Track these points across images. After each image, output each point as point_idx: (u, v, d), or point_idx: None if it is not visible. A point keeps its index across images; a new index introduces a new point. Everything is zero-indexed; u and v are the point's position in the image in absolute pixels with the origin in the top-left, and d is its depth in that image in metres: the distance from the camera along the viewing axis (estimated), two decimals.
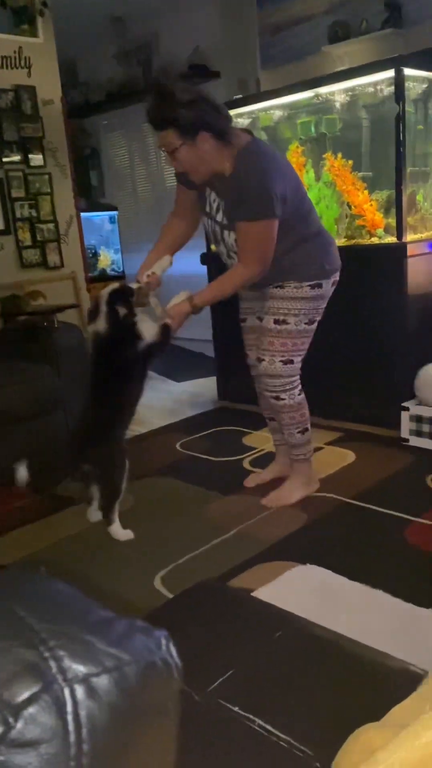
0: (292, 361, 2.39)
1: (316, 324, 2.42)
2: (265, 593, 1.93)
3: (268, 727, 1.32)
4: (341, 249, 3.20)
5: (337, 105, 3.37)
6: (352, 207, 3.22)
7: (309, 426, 2.52)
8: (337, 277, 2.42)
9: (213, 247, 2.52)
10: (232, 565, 2.11)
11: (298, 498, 2.55)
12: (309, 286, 2.33)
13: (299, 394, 2.45)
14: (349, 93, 3.29)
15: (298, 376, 2.44)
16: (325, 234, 2.41)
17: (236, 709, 1.38)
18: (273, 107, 3.60)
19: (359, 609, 1.83)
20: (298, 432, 2.49)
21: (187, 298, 2.27)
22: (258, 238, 2.18)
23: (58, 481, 2.45)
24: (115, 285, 2.25)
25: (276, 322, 2.35)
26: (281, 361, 2.37)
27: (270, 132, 3.73)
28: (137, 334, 2.21)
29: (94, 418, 2.29)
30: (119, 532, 2.34)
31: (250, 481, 2.75)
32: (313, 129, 3.45)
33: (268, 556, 2.15)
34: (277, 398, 2.42)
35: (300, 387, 2.45)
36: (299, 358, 2.41)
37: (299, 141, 3.44)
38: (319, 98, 3.39)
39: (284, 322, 2.35)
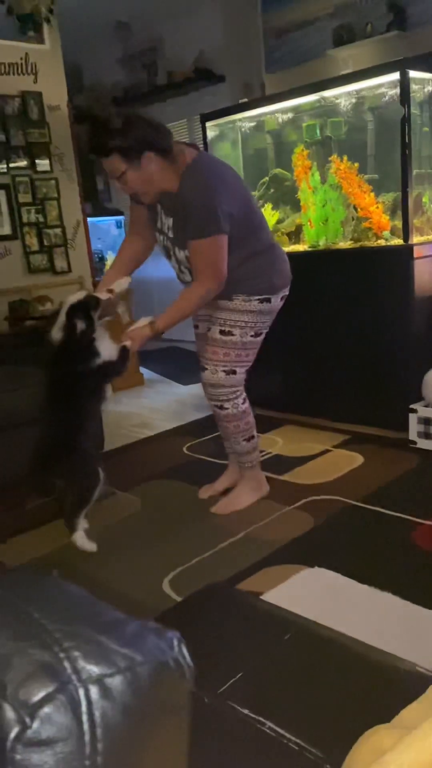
0: (234, 372, 2.39)
1: (262, 337, 2.43)
2: (273, 596, 1.93)
3: (278, 729, 1.32)
4: (347, 251, 3.24)
5: (343, 108, 3.38)
6: (359, 209, 3.22)
7: (255, 433, 2.53)
8: (286, 292, 2.43)
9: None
10: (240, 568, 2.11)
11: (248, 503, 2.57)
12: (257, 300, 2.35)
13: (243, 403, 2.45)
14: (355, 96, 3.30)
15: (242, 387, 2.44)
16: (276, 249, 2.42)
17: (246, 711, 1.38)
18: (278, 111, 3.61)
19: (368, 611, 1.83)
20: (244, 440, 2.50)
21: (149, 323, 2.25)
22: (208, 254, 2.19)
23: (27, 495, 2.44)
24: (80, 294, 2.18)
25: (222, 332, 2.37)
26: (223, 371, 2.38)
27: (275, 135, 3.75)
28: (93, 350, 2.15)
29: (49, 431, 2.23)
30: (84, 542, 2.29)
31: (204, 493, 2.73)
32: (318, 132, 3.46)
33: (276, 559, 2.15)
34: (221, 407, 2.43)
35: (244, 396, 2.46)
36: (243, 369, 2.42)
37: (304, 144, 3.45)
38: (325, 101, 3.39)
39: (230, 333, 2.36)
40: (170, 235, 2.30)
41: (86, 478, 2.24)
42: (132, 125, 2.09)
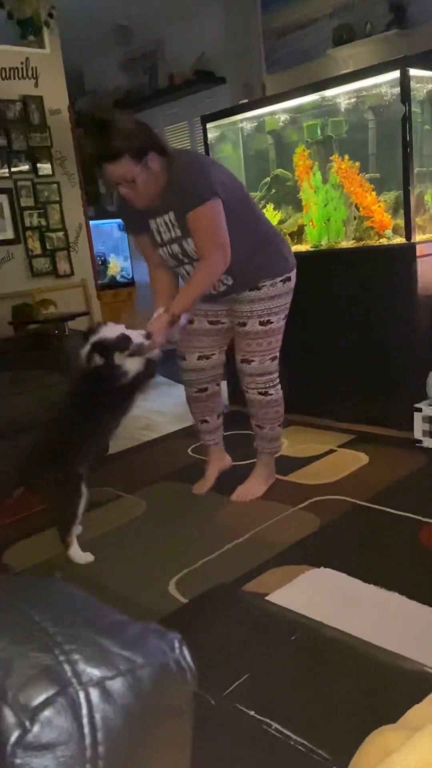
0: (276, 357, 2.51)
1: (287, 318, 2.52)
2: (279, 597, 1.92)
3: (285, 731, 1.32)
4: (350, 251, 3.24)
5: (343, 107, 3.37)
6: (360, 209, 3.22)
7: (284, 419, 2.64)
8: (295, 269, 2.51)
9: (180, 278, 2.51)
10: (246, 570, 2.11)
11: (263, 491, 2.66)
12: (281, 281, 2.42)
13: (281, 389, 2.56)
14: (355, 95, 3.29)
15: (278, 371, 2.54)
16: (278, 233, 2.54)
17: (252, 713, 1.38)
18: (279, 111, 3.61)
19: (374, 612, 1.82)
20: (278, 425, 2.62)
21: (164, 311, 2.28)
22: (208, 222, 2.19)
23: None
24: (115, 331, 2.14)
25: (261, 323, 2.44)
26: (270, 358, 2.49)
27: (276, 136, 3.74)
28: (118, 374, 2.15)
29: (44, 443, 2.22)
30: (78, 556, 2.26)
31: (199, 488, 2.77)
32: (319, 132, 3.46)
33: (281, 560, 2.15)
34: (266, 393, 2.51)
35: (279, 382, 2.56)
36: (278, 353, 2.52)
37: (306, 144, 3.45)
38: (325, 101, 3.39)
39: (269, 322, 2.44)
40: (174, 235, 2.29)
41: (66, 497, 2.20)
42: (138, 126, 2.14)
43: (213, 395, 2.69)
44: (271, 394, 2.51)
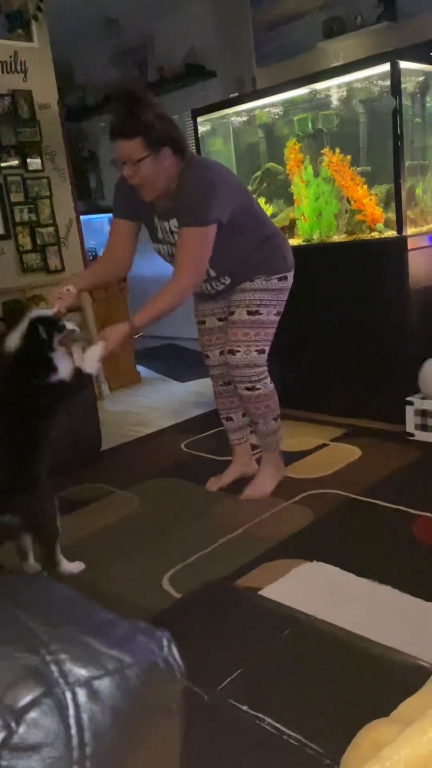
0: (264, 351, 2.47)
1: (280, 316, 2.49)
2: (272, 592, 1.93)
3: (278, 726, 1.32)
4: (342, 244, 3.23)
5: (334, 100, 3.36)
6: (352, 202, 3.21)
7: (279, 413, 2.59)
8: (293, 270, 2.50)
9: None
10: (239, 564, 2.11)
11: (272, 487, 2.63)
12: (277, 278, 2.42)
13: (270, 383, 2.52)
14: (346, 88, 3.28)
15: (266, 366, 2.50)
16: (279, 232, 2.52)
17: (245, 708, 1.38)
18: (269, 105, 3.59)
19: (367, 605, 1.83)
20: (272, 419, 2.57)
21: (71, 288, 2.20)
22: (195, 244, 2.19)
23: None
24: (47, 313, 2.02)
25: (249, 313, 2.42)
26: (256, 350, 2.44)
27: (267, 129, 3.73)
28: (51, 365, 1.96)
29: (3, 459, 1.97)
30: (70, 567, 2.12)
31: (212, 485, 2.75)
32: (310, 125, 3.44)
33: (275, 554, 2.15)
34: (253, 388, 2.47)
35: (268, 376, 2.52)
36: (268, 348, 2.48)
37: (296, 137, 3.43)
38: (316, 94, 3.38)
39: (257, 312, 2.42)
40: (175, 239, 2.29)
41: (43, 516, 2.03)
42: (165, 118, 2.12)
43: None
44: (258, 389, 2.46)
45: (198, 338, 2.69)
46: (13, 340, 1.96)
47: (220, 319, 2.58)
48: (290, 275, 2.48)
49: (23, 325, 1.96)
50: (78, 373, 2.03)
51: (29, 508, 2.00)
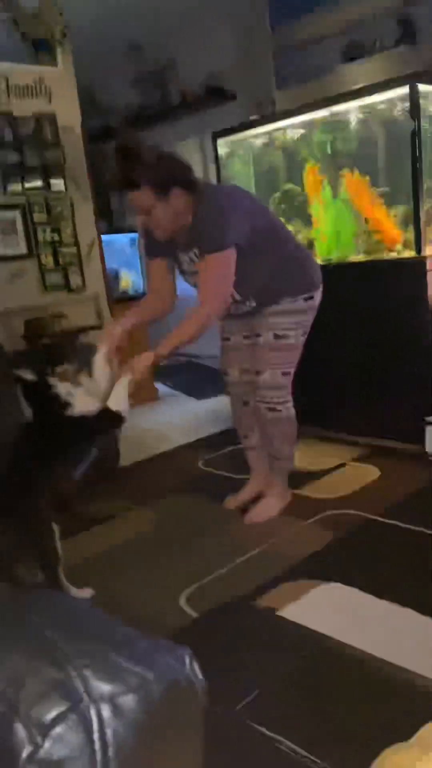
0: (289, 373, 2.49)
1: (306, 336, 2.51)
2: (290, 612, 1.91)
3: (296, 748, 1.31)
4: (360, 264, 3.24)
5: (353, 122, 3.39)
6: (370, 222, 3.22)
7: (296, 438, 2.60)
8: (321, 287, 2.50)
9: None
10: (257, 584, 2.10)
11: (278, 510, 2.61)
12: (303, 299, 2.42)
13: (292, 407, 2.53)
14: (365, 110, 3.31)
15: (289, 389, 2.51)
16: (304, 249, 2.54)
17: (263, 729, 1.37)
18: (289, 126, 3.63)
19: (386, 627, 1.81)
20: (288, 445, 2.58)
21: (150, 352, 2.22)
22: (215, 271, 2.21)
23: None
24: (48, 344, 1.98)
25: (276, 336, 2.43)
26: (282, 373, 2.46)
27: (286, 151, 3.77)
28: (58, 400, 1.90)
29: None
30: (79, 593, 2.08)
31: (231, 503, 2.75)
32: (329, 147, 3.48)
33: (293, 575, 2.14)
34: (274, 410, 2.48)
35: (291, 400, 2.53)
36: (294, 370, 2.50)
37: (315, 159, 3.46)
38: (335, 116, 3.41)
39: (285, 336, 2.43)
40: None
41: (39, 541, 1.95)
42: (164, 160, 2.14)
43: (256, 410, 2.66)
44: (279, 411, 2.48)
45: (220, 355, 2.71)
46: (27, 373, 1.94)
47: (245, 337, 2.58)
48: (317, 293, 2.47)
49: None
50: (105, 412, 1.96)
51: (27, 533, 1.93)
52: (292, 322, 2.42)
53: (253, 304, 2.42)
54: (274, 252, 2.35)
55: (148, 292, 2.56)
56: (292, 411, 2.52)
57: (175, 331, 2.22)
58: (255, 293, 2.38)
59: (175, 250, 2.37)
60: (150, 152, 2.13)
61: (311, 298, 2.44)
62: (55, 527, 1.98)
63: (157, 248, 2.40)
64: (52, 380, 1.92)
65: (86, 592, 2.12)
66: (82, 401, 1.93)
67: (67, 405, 1.91)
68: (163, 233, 2.25)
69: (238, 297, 2.38)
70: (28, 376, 1.91)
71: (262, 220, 2.33)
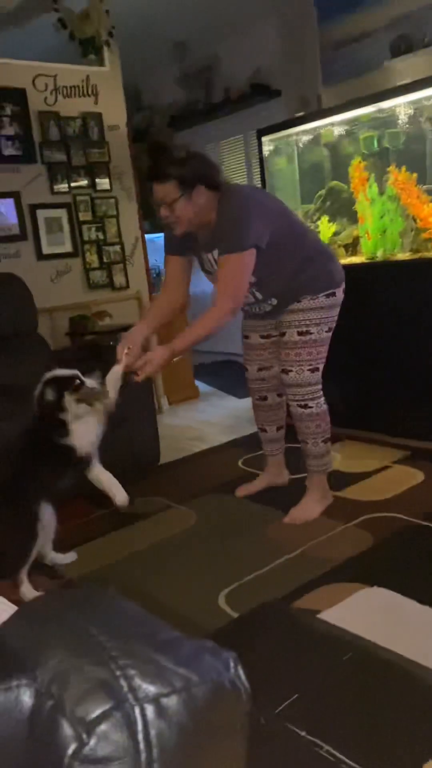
0: (318, 369, 2.49)
1: (332, 332, 2.49)
2: (331, 615, 1.89)
3: (336, 753, 1.29)
4: (406, 263, 3.18)
5: (401, 118, 3.33)
6: (418, 220, 3.16)
7: (330, 435, 2.59)
8: (344, 285, 2.49)
9: None
10: (297, 585, 2.08)
11: (319, 512, 2.59)
12: (324, 296, 2.42)
13: (324, 403, 2.53)
14: (413, 106, 3.25)
15: (320, 384, 2.50)
16: (327, 250, 2.54)
17: (303, 733, 1.36)
18: (335, 123, 3.59)
19: (428, 633, 1.77)
20: (323, 441, 2.56)
21: (167, 345, 2.28)
22: (232, 272, 2.25)
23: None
24: (68, 372, 2.09)
25: (300, 333, 2.44)
26: (309, 369, 2.46)
27: (332, 148, 3.73)
28: (62, 428, 2.08)
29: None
30: (31, 592, 2.12)
31: (241, 491, 2.86)
32: (376, 143, 3.42)
33: (334, 577, 2.11)
34: (305, 406, 2.49)
35: (323, 396, 2.52)
36: (322, 366, 2.50)
37: (362, 156, 3.42)
38: (382, 112, 3.36)
39: (308, 332, 2.43)
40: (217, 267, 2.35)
41: (17, 535, 2.11)
42: (192, 158, 2.23)
43: (274, 406, 2.75)
44: (311, 407, 2.49)
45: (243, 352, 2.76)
46: (35, 397, 2.10)
47: (262, 336, 2.63)
48: (339, 290, 2.46)
49: (38, 387, 2.09)
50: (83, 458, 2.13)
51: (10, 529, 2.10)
52: (313, 317, 2.42)
53: (274, 302, 2.44)
54: (295, 252, 2.37)
55: (161, 290, 2.61)
56: (324, 407, 2.53)
57: (192, 328, 2.32)
58: (276, 292, 2.41)
59: (198, 249, 2.42)
60: (179, 148, 2.23)
61: (333, 294, 2.44)
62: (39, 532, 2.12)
63: (176, 245, 2.47)
64: (68, 400, 2.06)
65: (69, 557, 2.31)
66: (78, 435, 2.10)
67: (65, 431, 2.08)
68: (181, 228, 2.29)
69: (259, 296, 2.41)
70: (49, 396, 2.06)
71: (283, 222, 2.36)
